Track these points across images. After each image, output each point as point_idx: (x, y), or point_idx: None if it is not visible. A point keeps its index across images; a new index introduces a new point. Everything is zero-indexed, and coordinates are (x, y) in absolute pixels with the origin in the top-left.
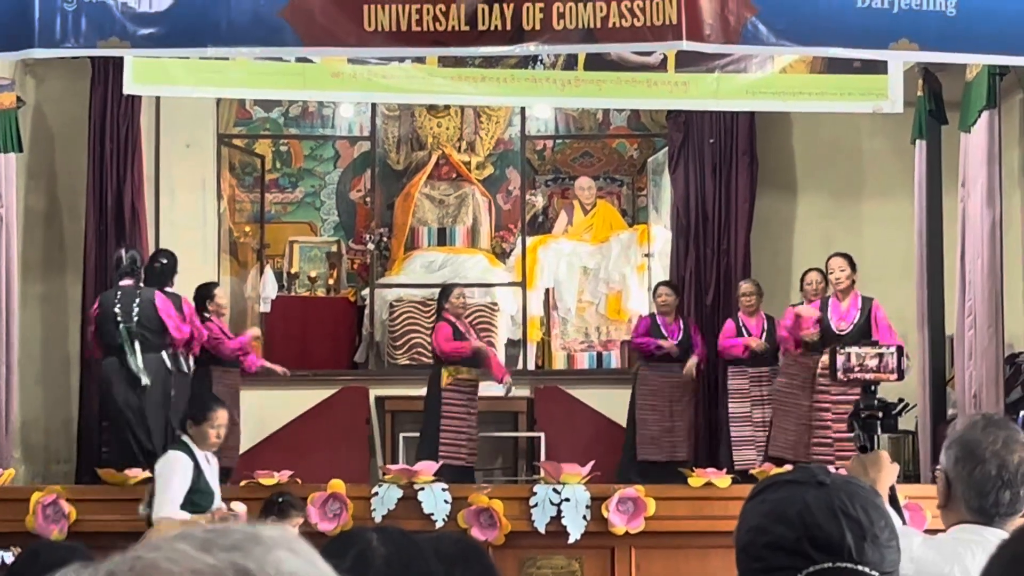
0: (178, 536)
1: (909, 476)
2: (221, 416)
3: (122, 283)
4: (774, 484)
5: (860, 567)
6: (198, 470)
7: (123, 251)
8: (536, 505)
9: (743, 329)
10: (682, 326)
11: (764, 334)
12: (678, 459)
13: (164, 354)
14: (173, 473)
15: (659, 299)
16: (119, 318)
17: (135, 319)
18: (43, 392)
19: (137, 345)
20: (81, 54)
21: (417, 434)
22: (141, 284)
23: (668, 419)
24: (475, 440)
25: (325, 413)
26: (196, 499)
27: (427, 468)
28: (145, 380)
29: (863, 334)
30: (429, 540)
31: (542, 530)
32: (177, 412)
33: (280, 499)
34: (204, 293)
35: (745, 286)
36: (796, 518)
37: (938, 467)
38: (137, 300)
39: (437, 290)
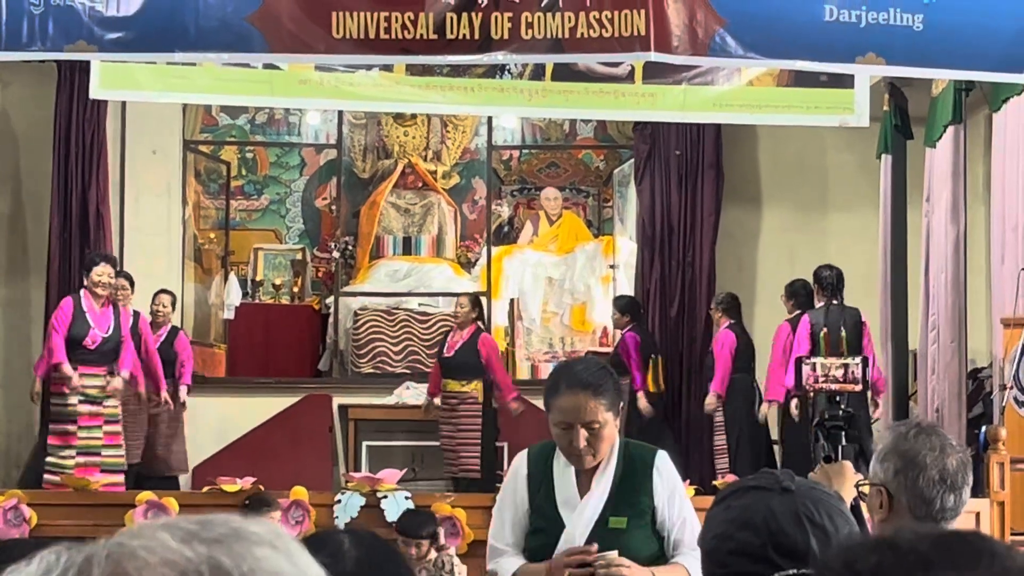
0: (164, 525)
1: None
2: None
3: None
4: (740, 490)
5: None
6: None
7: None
8: None
9: None
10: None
11: None
12: None
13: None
14: None
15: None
16: None
17: None
18: (4, 396)
19: None
20: (48, 58)
21: (379, 443)
22: None
23: None
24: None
25: (288, 421)
26: None
27: (390, 476)
28: None
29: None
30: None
31: None
32: None
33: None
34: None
35: None
36: (761, 524)
37: (863, 481)
38: None
39: (401, 299)
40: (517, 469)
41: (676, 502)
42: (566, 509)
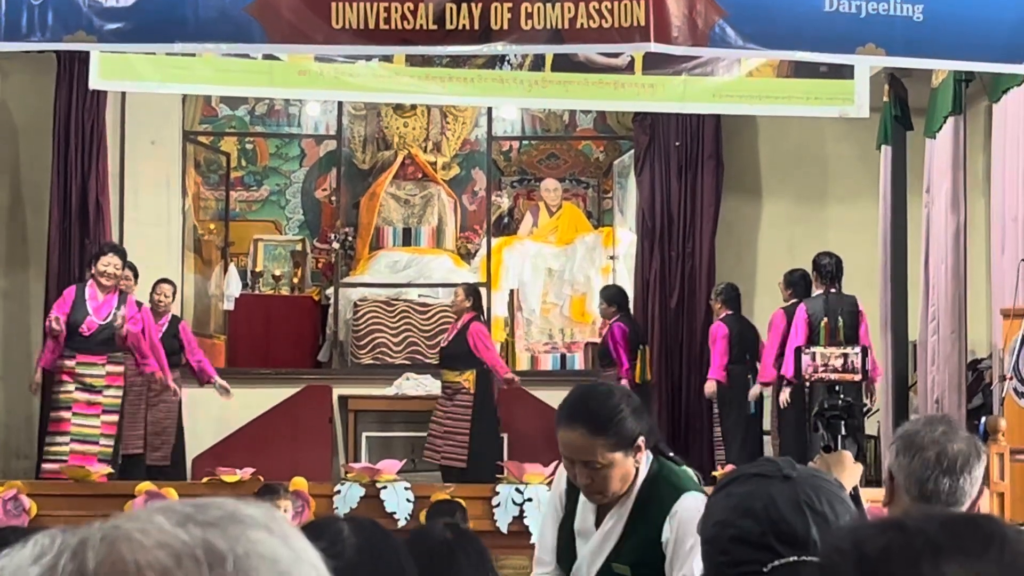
0: (160, 508)
1: (871, 480)
2: None
3: None
4: (740, 477)
5: None
6: None
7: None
8: (499, 505)
9: None
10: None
11: None
12: None
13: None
14: None
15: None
16: None
17: None
18: (4, 387)
19: None
20: (47, 48)
21: (379, 433)
22: None
23: None
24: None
25: (288, 411)
26: None
27: (389, 467)
28: None
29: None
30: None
31: (504, 530)
32: None
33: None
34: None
35: None
36: (762, 512)
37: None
38: None
39: (401, 290)
40: (558, 482)
41: (680, 554)
42: (581, 539)
